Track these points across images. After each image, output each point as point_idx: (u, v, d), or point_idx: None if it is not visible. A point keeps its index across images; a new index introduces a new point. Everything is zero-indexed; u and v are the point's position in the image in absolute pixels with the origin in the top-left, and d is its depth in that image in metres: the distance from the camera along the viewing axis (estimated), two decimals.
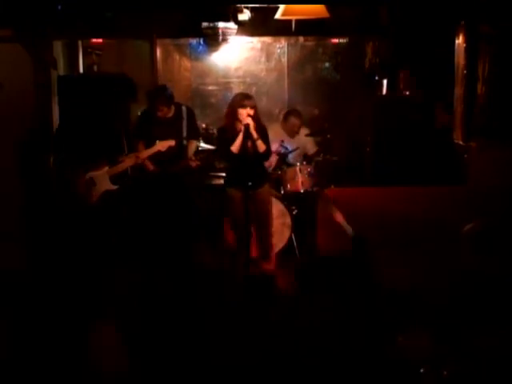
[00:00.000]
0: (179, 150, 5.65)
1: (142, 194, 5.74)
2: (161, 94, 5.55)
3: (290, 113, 6.46)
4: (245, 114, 5.03)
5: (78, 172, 5.57)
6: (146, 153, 5.57)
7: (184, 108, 5.72)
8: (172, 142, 5.51)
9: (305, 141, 6.41)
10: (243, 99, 5.10)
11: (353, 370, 3.55)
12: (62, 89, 5.97)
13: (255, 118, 5.08)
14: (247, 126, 5.01)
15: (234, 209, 5.28)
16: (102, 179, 5.59)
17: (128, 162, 5.60)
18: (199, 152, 6.17)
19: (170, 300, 4.88)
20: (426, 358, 2.54)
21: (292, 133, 6.37)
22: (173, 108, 5.62)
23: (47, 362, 3.96)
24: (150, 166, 5.64)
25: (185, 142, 5.69)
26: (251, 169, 5.13)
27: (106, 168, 5.61)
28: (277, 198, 5.85)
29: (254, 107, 5.07)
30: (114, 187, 5.62)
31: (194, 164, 5.76)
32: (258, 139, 5.06)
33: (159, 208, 5.66)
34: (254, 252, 5.46)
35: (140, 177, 5.75)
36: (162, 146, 5.51)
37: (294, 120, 6.36)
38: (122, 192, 5.67)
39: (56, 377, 3.81)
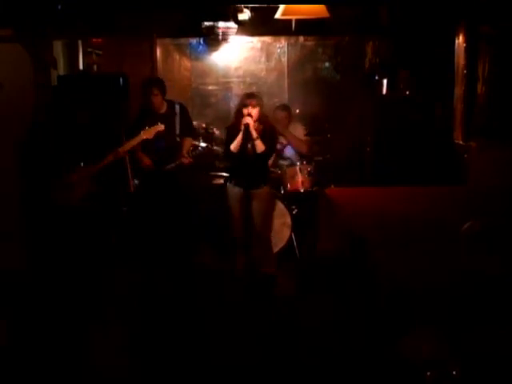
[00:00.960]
0: (174, 148, 5.63)
1: (141, 193, 5.73)
2: (155, 81, 5.65)
3: (277, 107, 6.45)
4: (246, 114, 5.03)
5: (62, 174, 5.41)
6: (127, 145, 5.35)
7: (177, 105, 5.71)
8: (161, 127, 5.31)
9: (295, 133, 6.37)
10: (245, 98, 5.10)
11: (353, 370, 3.55)
12: (61, 88, 5.96)
13: (258, 117, 5.06)
14: (246, 126, 5.01)
15: (233, 207, 5.28)
16: (82, 180, 5.35)
17: (108, 159, 5.32)
18: (194, 150, 6.17)
19: (170, 300, 4.88)
20: (427, 359, 2.54)
21: (281, 126, 6.36)
22: (165, 104, 5.62)
23: (47, 362, 3.96)
24: (146, 161, 5.56)
25: (178, 139, 5.67)
26: (250, 169, 5.12)
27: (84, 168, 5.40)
28: (277, 197, 5.85)
29: (256, 106, 5.05)
30: (95, 187, 5.38)
31: (186, 161, 5.70)
32: (256, 139, 5.04)
33: (158, 207, 5.64)
34: (254, 251, 5.46)
35: (137, 176, 5.73)
36: (148, 133, 5.29)
37: (279, 113, 6.32)
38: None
39: (56, 377, 3.81)
